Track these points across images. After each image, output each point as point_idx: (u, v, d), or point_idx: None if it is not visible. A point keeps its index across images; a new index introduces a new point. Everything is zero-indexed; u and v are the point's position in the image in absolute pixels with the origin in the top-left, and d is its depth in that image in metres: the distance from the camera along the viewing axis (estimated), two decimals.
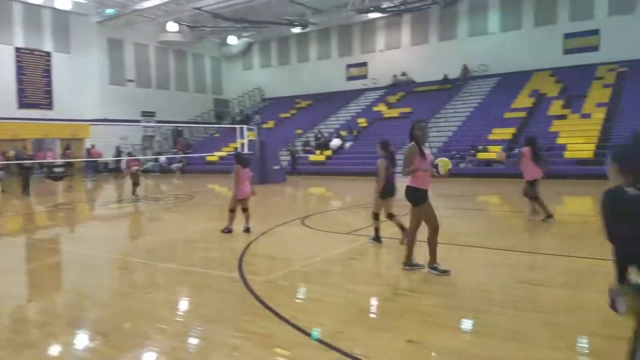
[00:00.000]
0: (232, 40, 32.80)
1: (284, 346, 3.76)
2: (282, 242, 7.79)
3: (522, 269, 5.84)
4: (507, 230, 8.68)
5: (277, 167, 19.39)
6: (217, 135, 30.93)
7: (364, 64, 30.53)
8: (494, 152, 17.83)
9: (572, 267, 5.83)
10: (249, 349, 3.75)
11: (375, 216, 7.17)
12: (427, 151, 5.65)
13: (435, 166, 5.58)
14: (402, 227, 6.75)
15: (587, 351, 3.61)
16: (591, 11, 23.29)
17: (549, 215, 8.51)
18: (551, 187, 12.78)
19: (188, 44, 32.43)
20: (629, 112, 18.29)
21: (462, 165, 17.77)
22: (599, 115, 18.65)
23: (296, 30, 30.46)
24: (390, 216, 7.02)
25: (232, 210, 8.31)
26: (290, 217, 10.02)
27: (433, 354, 3.58)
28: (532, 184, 8.74)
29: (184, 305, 4.98)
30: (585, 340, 3.74)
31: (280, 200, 14.78)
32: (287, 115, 30.41)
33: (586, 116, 18.83)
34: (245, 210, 8.45)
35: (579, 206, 11.78)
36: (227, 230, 8.31)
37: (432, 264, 5.54)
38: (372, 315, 4.40)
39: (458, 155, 18.45)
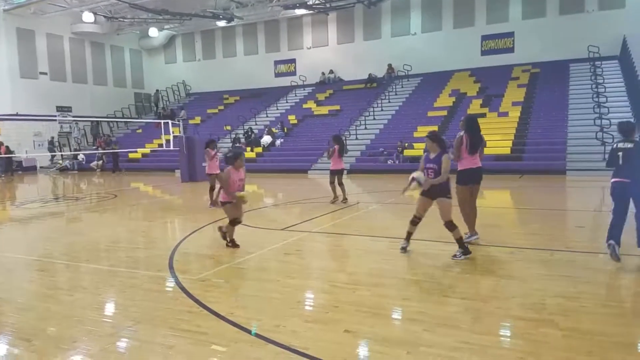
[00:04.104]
0: (153, 32, 31.35)
1: (222, 343, 3.68)
2: (215, 240, 7.58)
3: (446, 258, 6.14)
4: (433, 221, 9.07)
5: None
6: (139, 131, 29.58)
7: (292, 61, 30.55)
8: (421, 150, 18.61)
9: (491, 256, 6.21)
10: (184, 347, 3.64)
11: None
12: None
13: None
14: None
15: (508, 334, 3.88)
16: (506, 14, 24.95)
17: (335, 198, 10.76)
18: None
19: (106, 36, 30.62)
20: (542, 111, 19.87)
21: (389, 161, 18.37)
22: (515, 113, 20.06)
23: (221, 24, 29.80)
24: None
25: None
26: (222, 214, 9.78)
27: (368, 342, 3.67)
28: (334, 173, 10.83)
29: (111, 306, 4.72)
30: (507, 324, 4.02)
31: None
32: (215, 111, 29.74)
33: (503, 114, 20.19)
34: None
35: (497, 199, 12.61)
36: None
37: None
38: (309, 308, 4.43)
39: (385, 152, 19.03)
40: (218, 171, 10.75)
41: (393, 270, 5.57)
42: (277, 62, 30.97)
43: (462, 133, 6.55)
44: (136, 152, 25.02)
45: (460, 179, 6.59)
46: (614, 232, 5.66)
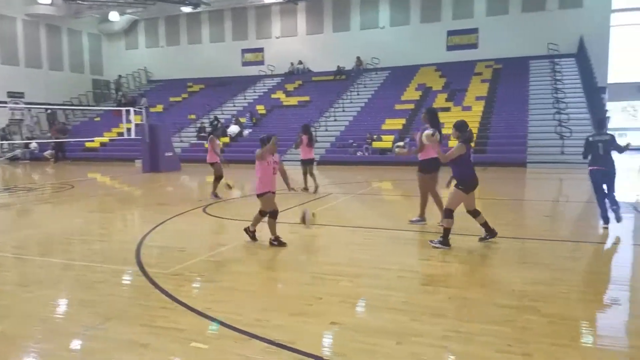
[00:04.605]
0: (114, 16, 30.08)
1: (202, 340, 3.47)
2: (185, 231, 7.31)
3: (421, 247, 6.10)
4: (405, 211, 9.07)
5: (170, 153, 18.31)
6: (97, 119, 28.40)
7: (260, 50, 30.02)
8: (389, 142, 18.69)
9: (465, 245, 6.22)
10: (161, 345, 3.40)
11: None
12: None
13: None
14: None
15: (494, 321, 3.84)
16: (471, 10, 25.33)
17: (305, 189, 10.91)
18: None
19: (62, 19, 29.10)
20: (503, 105, 20.33)
21: (359, 153, 18.35)
22: (478, 108, 20.44)
23: (187, 9, 28.95)
24: None
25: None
26: (190, 206, 9.47)
27: (357, 334, 3.53)
28: (305, 163, 10.97)
29: (76, 302, 4.38)
30: (491, 312, 3.98)
31: (177, 189, 13.98)
32: (179, 99, 28.90)
33: (467, 109, 20.53)
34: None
35: None
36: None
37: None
38: (292, 301, 4.25)
39: (355, 144, 19.00)
40: (218, 159, 10.39)
41: (372, 260, 5.48)
42: (244, 51, 30.36)
43: (426, 126, 6.94)
44: (93, 141, 23.95)
45: (424, 168, 7.10)
46: (603, 214, 6.89)
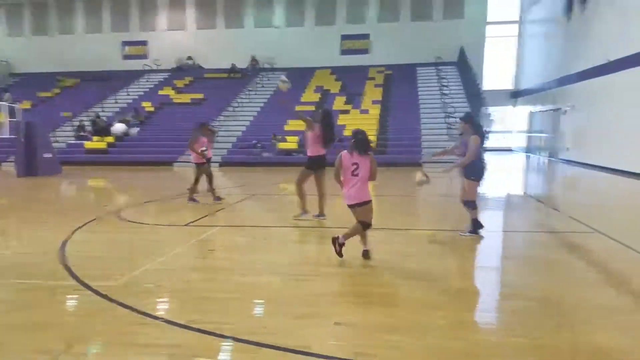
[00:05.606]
0: None
1: (206, 355, 3.08)
2: (111, 240, 6.44)
3: (378, 243, 6.16)
4: (331, 209, 9.08)
5: (49, 155, 16.14)
6: None
7: (144, 43, 28.08)
8: (294, 143, 18.65)
9: (416, 240, 6.42)
10: None
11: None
12: None
13: None
14: None
15: (487, 312, 3.99)
16: (363, 16, 26.45)
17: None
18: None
19: None
20: (397, 109, 21.56)
21: (265, 154, 18.03)
22: (375, 111, 21.39)
23: None
24: None
25: None
26: (97, 212, 8.42)
27: (371, 332, 3.38)
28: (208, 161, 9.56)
29: (27, 326, 3.54)
30: (488, 301, 4.14)
31: (71, 194, 12.40)
32: (49, 94, 25.78)
33: (365, 112, 21.38)
34: None
35: (389, 189, 13.25)
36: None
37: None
38: (284, 304, 3.94)
39: (260, 145, 18.64)
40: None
41: (334, 256, 5.29)
42: (125, 43, 28.14)
43: (316, 125, 7.15)
44: None
45: (310, 165, 7.23)
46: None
